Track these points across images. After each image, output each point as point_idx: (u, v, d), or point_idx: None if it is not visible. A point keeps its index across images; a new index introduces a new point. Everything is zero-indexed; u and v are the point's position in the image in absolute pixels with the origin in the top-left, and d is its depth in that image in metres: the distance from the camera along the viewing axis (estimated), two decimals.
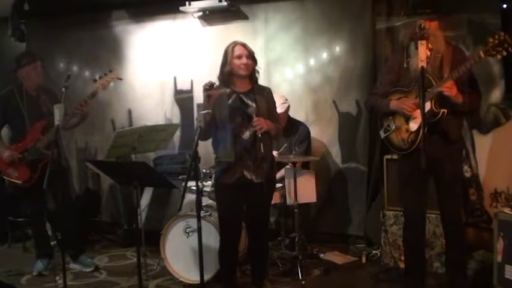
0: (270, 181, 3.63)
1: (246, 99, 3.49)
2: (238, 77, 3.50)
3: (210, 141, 3.61)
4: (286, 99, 4.71)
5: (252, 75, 3.55)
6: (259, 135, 3.38)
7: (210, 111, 3.26)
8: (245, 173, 3.47)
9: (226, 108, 3.46)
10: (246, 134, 3.45)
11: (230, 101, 3.49)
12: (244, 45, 3.50)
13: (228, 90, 3.50)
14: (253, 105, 3.47)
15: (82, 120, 4.50)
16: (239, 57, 3.46)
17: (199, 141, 3.13)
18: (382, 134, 3.59)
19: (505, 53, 3.03)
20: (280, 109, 4.27)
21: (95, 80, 4.26)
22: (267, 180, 3.53)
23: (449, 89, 3.18)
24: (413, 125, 3.38)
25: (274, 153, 4.14)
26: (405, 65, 3.45)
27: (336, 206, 5.16)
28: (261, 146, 3.38)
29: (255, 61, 3.53)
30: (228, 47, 3.53)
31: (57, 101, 3.76)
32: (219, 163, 3.56)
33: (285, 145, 4.52)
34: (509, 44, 3.00)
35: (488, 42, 3.05)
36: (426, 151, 3.11)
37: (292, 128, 4.73)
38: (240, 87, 3.53)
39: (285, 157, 4.28)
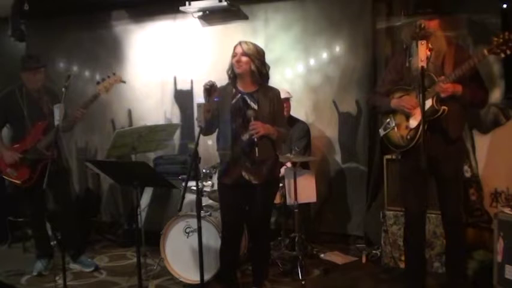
0: (271, 183, 3.61)
1: (249, 101, 3.47)
2: (239, 76, 3.49)
3: (211, 142, 3.61)
4: (289, 93, 4.75)
5: (253, 76, 3.47)
6: (255, 139, 3.34)
7: (218, 98, 3.28)
8: (243, 173, 3.46)
9: (228, 108, 3.46)
10: (246, 136, 3.43)
11: (233, 101, 3.48)
12: (241, 44, 3.45)
13: (229, 88, 3.51)
14: (255, 107, 3.45)
15: (74, 124, 4.48)
16: (234, 55, 3.46)
17: (200, 141, 3.14)
18: (381, 132, 3.60)
19: (508, 52, 3.06)
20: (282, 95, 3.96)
21: (98, 83, 4.26)
22: (267, 182, 3.51)
23: (444, 90, 3.21)
24: (413, 122, 3.39)
25: None
26: (407, 64, 3.46)
27: (336, 206, 5.16)
28: (256, 150, 3.30)
29: (254, 60, 3.42)
30: None
31: (58, 101, 3.76)
32: (221, 162, 3.57)
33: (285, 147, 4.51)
34: None
35: (493, 41, 3.08)
36: (426, 150, 3.12)
37: (291, 125, 4.72)
38: (245, 88, 3.51)
39: (285, 157, 4.28)
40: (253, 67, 3.43)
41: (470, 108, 3.59)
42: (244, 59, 3.42)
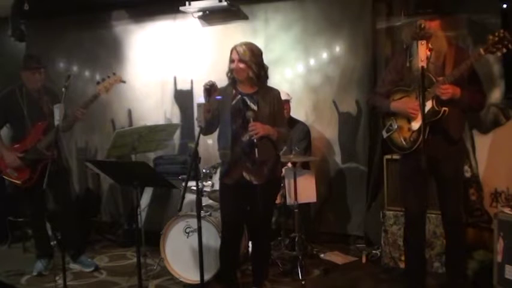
0: (272, 183, 3.60)
1: (249, 102, 3.47)
2: (238, 80, 3.49)
3: (211, 142, 3.60)
4: (289, 95, 4.75)
5: (251, 80, 3.45)
6: (255, 140, 3.33)
7: (220, 97, 3.29)
8: (244, 174, 3.46)
9: (229, 109, 3.46)
10: (246, 137, 3.43)
11: (234, 102, 3.48)
12: (237, 49, 3.42)
13: (229, 89, 3.51)
14: (255, 108, 3.45)
15: (74, 124, 4.48)
16: (232, 61, 3.44)
17: (200, 141, 3.14)
18: (385, 134, 3.59)
19: (504, 50, 3.06)
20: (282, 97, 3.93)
21: (98, 83, 4.25)
22: (268, 183, 3.50)
23: (444, 92, 3.20)
24: (415, 124, 3.38)
25: None
26: (408, 65, 3.46)
27: (336, 206, 5.16)
28: (256, 151, 3.30)
29: (251, 65, 3.40)
30: None
31: (58, 101, 3.76)
32: (222, 163, 3.58)
33: (285, 148, 4.50)
34: (509, 41, 3.04)
35: (488, 40, 3.08)
36: (427, 150, 3.13)
37: (292, 127, 4.73)
38: (245, 89, 3.50)
39: (285, 157, 4.28)
40: (250, 74, 3.42)
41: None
42: (241, 65, 3.41)
